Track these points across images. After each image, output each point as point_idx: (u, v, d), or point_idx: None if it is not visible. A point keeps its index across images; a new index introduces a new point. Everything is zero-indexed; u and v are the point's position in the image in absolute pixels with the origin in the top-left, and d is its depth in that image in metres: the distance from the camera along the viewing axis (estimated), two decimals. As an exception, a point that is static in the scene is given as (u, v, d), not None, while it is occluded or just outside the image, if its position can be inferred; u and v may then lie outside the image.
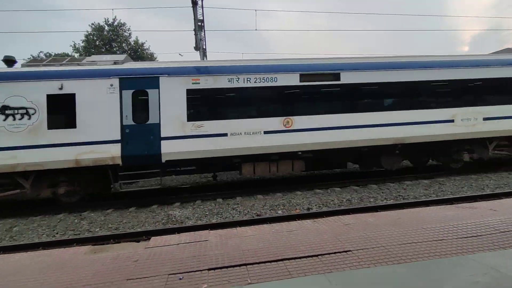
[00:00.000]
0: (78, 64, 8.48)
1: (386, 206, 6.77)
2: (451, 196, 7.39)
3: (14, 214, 8.02)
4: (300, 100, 8.93)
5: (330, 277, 3.15)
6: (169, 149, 8.17)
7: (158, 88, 8.22)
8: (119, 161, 8.01)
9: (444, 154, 10.22)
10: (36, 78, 7.85)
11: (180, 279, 3.34)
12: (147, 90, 8.20)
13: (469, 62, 9.86)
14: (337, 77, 9.02)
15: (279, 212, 7.16)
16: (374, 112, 9.19)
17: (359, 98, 9.30)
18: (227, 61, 8.92)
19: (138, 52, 26.27)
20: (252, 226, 5.27)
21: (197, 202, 8.34)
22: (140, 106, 8.18)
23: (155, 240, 4.82)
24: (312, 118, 8.84)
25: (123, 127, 8.02)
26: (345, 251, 3.77)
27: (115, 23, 26.15)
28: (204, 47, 17.67)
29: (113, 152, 7.94)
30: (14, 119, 7.67)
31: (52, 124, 7.81)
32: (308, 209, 7.26)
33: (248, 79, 8.57)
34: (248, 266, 3.55)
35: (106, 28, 26.02)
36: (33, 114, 7.75)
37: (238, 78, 8.53)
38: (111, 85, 8.03)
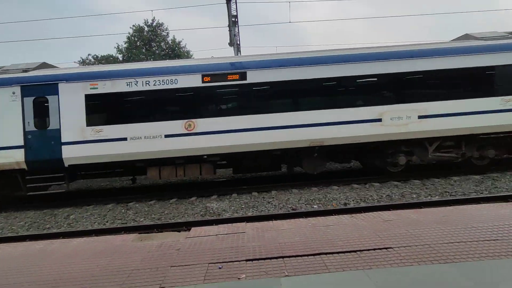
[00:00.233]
0: None
1: (431, 203, 6.37)
2: (507, 193, 6.74)
3: (71, 204, 8.85)
4: (203, 102, 8.63)
5: (369, 273, 3.07)
6: (70, 154, 8.31)
7: (58, 94, 8.38)
8: (24, 166, 8.30)
9: (376, 156, 9.16)
10: None
11: (220, 268, 3.48)
12: (47, 96, 8.39)
13: (401, 53, 8.66)
14: (243, 76, 8.48)
15: (314, 206, 7.10)
16: (286, 113, 8.49)
17: (268, 98, 8.79)
18: (127, 64, 8.98)
19: (175, 51, 27.22)
20: (288, 220, 5.30)
21: (233, 196, 8.54)
22: (41, 113, 8.37)
23: (195, 230, 5.04)
24: (217, 120, 8.44)
25: (25, 133, 8.29)
26: (386, 248, 3.65)
27: (154, 24, 27.34)
28: (238, 42, 17.82)
29: (18, 158, 8.23)
30: None
31: None
32: (345, 204, 7.10)
33: (147, 82, 8.40)
34: (285, 258, 3.59)
35: (146, 29, 27.30)
36: None
37: (137, 82, 8.39)
38: (13, 92, 8.32)
